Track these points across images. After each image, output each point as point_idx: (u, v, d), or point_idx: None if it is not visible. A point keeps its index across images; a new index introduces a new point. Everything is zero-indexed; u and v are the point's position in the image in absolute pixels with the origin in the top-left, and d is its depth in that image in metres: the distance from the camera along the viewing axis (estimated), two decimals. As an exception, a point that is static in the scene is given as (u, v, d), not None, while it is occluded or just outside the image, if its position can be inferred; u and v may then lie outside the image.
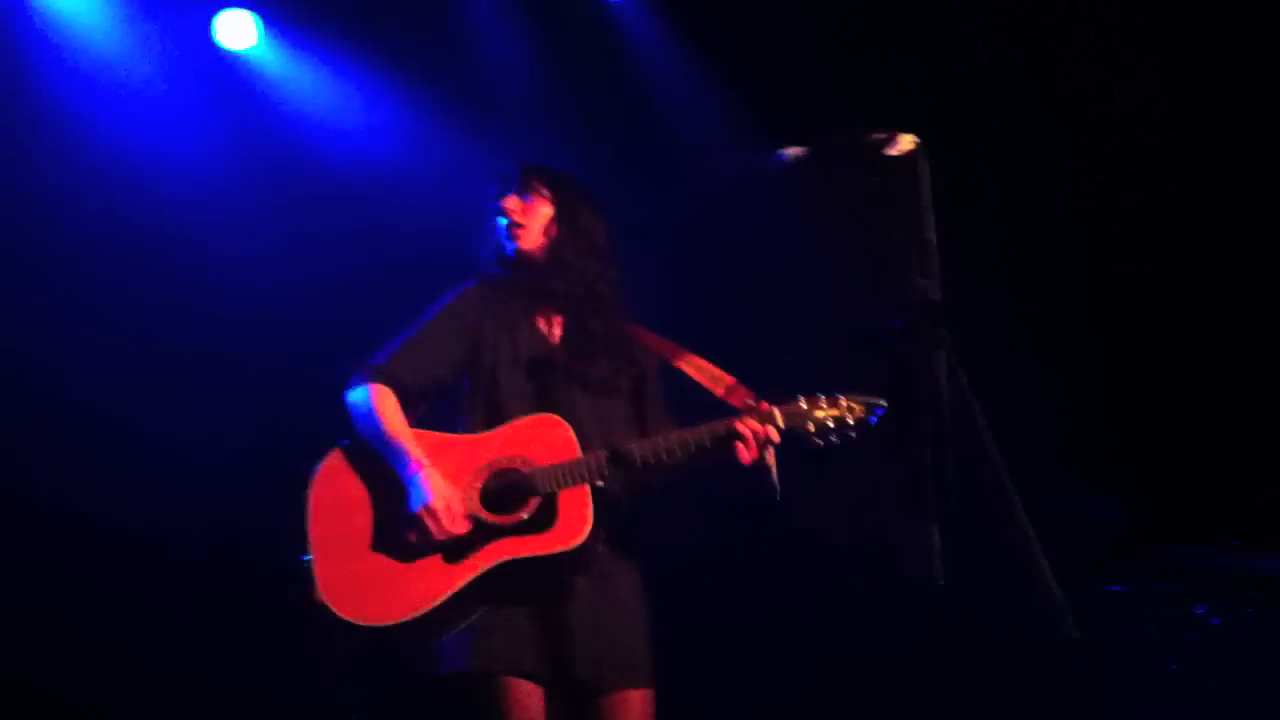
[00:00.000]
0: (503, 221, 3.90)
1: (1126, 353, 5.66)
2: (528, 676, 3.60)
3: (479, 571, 3.54)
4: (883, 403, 3.61)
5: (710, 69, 5.84)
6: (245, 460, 5.26)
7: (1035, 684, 4.93)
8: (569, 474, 3.58)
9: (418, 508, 3.55)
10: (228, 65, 5.77)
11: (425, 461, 3.62)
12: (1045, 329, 5.68)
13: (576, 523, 3.55)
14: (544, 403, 3.72)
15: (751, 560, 5.45)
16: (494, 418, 3.73)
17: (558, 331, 3.89)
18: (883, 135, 3.29)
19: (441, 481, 3.59)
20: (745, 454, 3.59)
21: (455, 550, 3.56)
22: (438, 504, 3.54)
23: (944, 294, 3.21)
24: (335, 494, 3.66)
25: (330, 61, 5.85)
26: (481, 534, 3.57)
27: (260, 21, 5.77)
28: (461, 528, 3.56)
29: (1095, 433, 5.60)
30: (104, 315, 5.44)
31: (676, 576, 4.86)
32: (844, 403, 3.60)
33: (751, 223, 5.52)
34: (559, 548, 3.54)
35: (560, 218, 3.88)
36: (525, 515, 3.56)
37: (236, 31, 5.73)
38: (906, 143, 3.28)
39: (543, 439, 3.62)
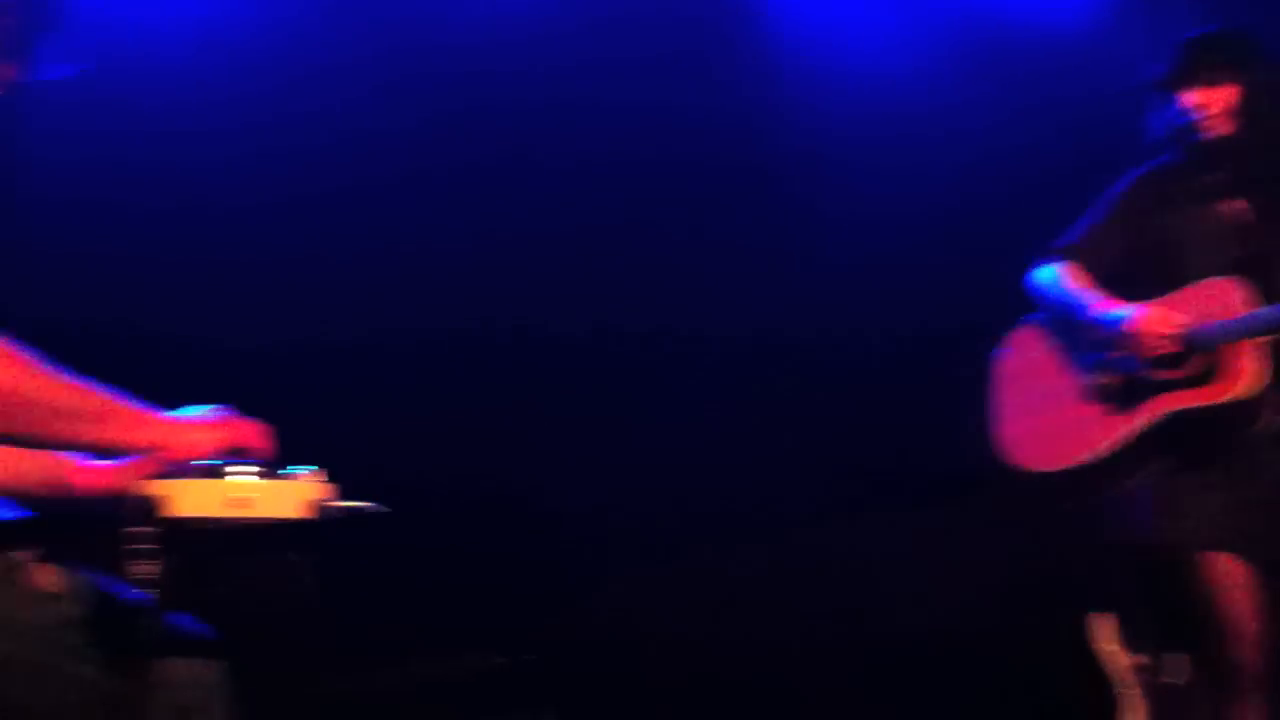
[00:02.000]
0: (1187, 116, 3.76)
1: None
2: (1227, 551, 3.58)
3: (1139, 424, 3.64)
4: None
5: None
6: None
7: None
8: (1233, 330, 3.55)
9: (1121, 327, 3.64)
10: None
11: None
12: None
13: (1238, 374, 3.52)
14: (1225, 269, 3.66)
15: None
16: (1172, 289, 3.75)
17: (1242, 201, 3.77)
18: None
19: (1136, 305, 3.65)
20: None
21: (1121, 405, 3.69)
22: (1140, 320, 3.61)
23: None
24: (1021, 360, 3.96)
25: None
26: (1145, 390, 3.65)
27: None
28: (1174, 327, 3.58)
29: None
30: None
31: None
32: None
33: None
34: (1216, 398, 3.54)
35: (1245, 94, 3.72)
36: (1188, 371, 3.59)
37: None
38: None
39: (1216, 300, 3.61)
